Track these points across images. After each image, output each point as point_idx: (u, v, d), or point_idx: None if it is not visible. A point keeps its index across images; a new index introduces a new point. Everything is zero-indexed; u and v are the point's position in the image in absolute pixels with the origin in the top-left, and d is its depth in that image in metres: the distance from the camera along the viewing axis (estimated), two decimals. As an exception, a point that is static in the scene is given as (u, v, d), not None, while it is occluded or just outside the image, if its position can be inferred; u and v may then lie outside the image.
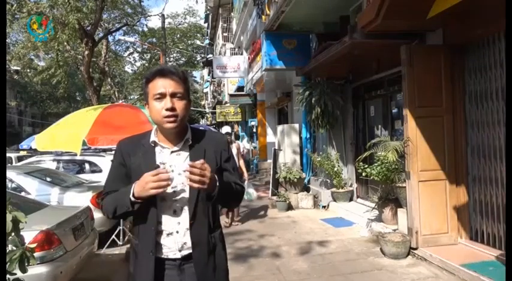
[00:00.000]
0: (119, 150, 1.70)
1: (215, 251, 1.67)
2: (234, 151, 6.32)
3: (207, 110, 36.88)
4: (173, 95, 1.56)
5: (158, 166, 1.60)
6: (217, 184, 1.54)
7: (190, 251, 1.60)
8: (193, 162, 1.47)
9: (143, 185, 1.47)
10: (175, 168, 1.61)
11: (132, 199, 1.51)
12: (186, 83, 1.64)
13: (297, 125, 9.81)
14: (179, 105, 1.57)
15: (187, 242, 1.60)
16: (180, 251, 1.60)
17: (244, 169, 7.01)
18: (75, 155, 7.05)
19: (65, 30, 11.01)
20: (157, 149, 1.65)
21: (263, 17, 9.01)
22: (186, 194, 1.59)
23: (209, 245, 1.64)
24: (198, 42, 32.09)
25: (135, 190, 1.51)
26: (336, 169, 7.53)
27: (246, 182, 6.91)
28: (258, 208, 8.18)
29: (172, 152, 1.64)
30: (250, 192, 7.03)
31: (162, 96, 1.56)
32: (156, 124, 1.64)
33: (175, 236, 1.60)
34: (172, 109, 1.55)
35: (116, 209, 1.60)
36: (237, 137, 17.73)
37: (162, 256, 1.60)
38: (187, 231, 1.59)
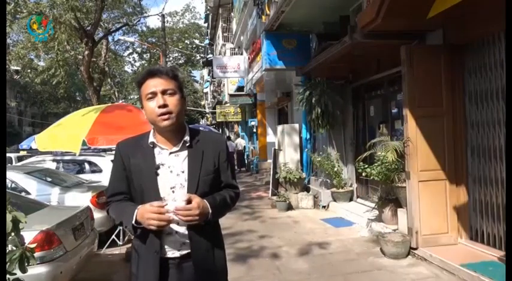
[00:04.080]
0: (118, 152, 1.72)
1: (214, 250, 1.68)
2: None
3: (207, 110, 36.88)
4: (164, 92, 1.59)
5: (158, 167, 1.61)
6: (209, 210, 1.56)
7: (189, 250, 1.61)
8: (177, 206, 1.49)
9: (144, 218, 1.50)
10: (174, 169, 1.63)
11: (135, 224, 1.55)
12: (177, 80, 1.65)
13: (297, 125, 9.80)
14: (171, 101, 1.59)
15: (186, 242, 1.61)
16: (179, 250, 1.62)
17: None
18: (75, 154, 7.06)
19: (61, 28, 11.01)
20: (156, 150, 1.66)
21: (263, 17, 9.02)
22: (184, 194, 1.59)
23: (208, 245, 1.65)
24: (196, 41, 32.06)
25: (138, 216, 1.53)
26: (336, 169, 7.52)
27: None
28: (258, 208, 8.18)
29: (171, 153, 1.65)
30: None
31: (153, 95, 1.58)
32: (153, 124, 1.65)
33: (175, 235, 1.61)
34: (165, 105, 1.57)
35: (121, 223, 1.71)
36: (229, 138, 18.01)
37: (163, 256, 1.61)
38: (186, 230, 1.61)
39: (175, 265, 1.62)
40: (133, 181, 1.64)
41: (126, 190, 1.69)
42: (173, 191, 1.59)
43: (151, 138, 1.66)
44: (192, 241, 1.61)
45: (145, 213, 1.49)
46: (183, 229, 1.60)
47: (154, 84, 1.59)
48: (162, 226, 1.50)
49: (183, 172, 1.63)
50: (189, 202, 1.50)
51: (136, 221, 1.54)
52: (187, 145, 1.66)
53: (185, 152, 1.65)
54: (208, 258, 1.65)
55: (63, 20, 10.79)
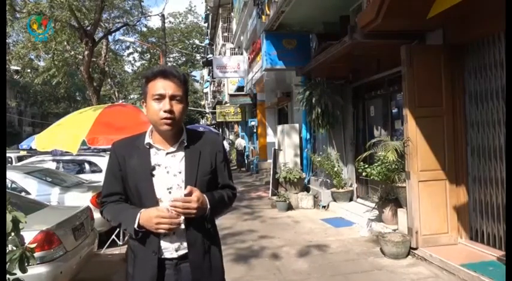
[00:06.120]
0: (113, 153, 1.71)
1: (210, 251, 1.68)
2: None
3: (207, 110, 36.86)
4: (172, 98, 1.57)
5: (154, 168, 1.61)
6: (208, 206, 1.58)
7: (187, 251, 1.61)
8: (176, 197, 1.52)
9: (152, 222, 1.51)
10: (171, 169, 1.62)
11: (137, 228, 1.55)
12: (186, 86, 1.65)
13: (297, 125, 9.81)
14: (177, 108, 1.58)
15: (184, 242, 1.61)
16: (176, 251, 1.62)
17: None
18: (73, 154, 7.06)
19: (57, 25, 11.03)
20: (152, 150, 1.65)
21: (263, 17, 9.01)
22: (182, 195, 1.59)
23: (204, 245, 1.65)
24: (197, 41, 32.08)
25: (140, 220, 1.53)
26: (336, 169, 7.52)
27: None
28: (258, 208, 8.18)
29: (167, 153, 1.64)
30: None
31: (161, 97, 1.57)
32: (152, 124, 1.64)
33: (172, 236, 1.61)
34: (170, 112, 1.56)
35: (119, 225, 1.69)
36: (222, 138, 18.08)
37: (160, 256, 1.61)
38: (183, 231, 1.60)
39: (173, 266, 1.62)
40: (129, 181, 1.64)
41: (121, 191, 1.68)
42: (170, 192, 1.59)
43: (147, 139, 1.66)
44: (190, 242, 1.61)
45: (153, 218, 1.50)
46: (180, 230, 1.60)
47: (165, 86, 1.57)
48: (172, 229, 1.53)
49: (180, 172, 1.62)
50: (189, 194, 1.50)
51: (138, 225, 1.54)
52: (184, 145, 1.66)
53: (182, 153, 1.65)
54: (205, 259, 1.65)
55: (60, 18, 10.80)
